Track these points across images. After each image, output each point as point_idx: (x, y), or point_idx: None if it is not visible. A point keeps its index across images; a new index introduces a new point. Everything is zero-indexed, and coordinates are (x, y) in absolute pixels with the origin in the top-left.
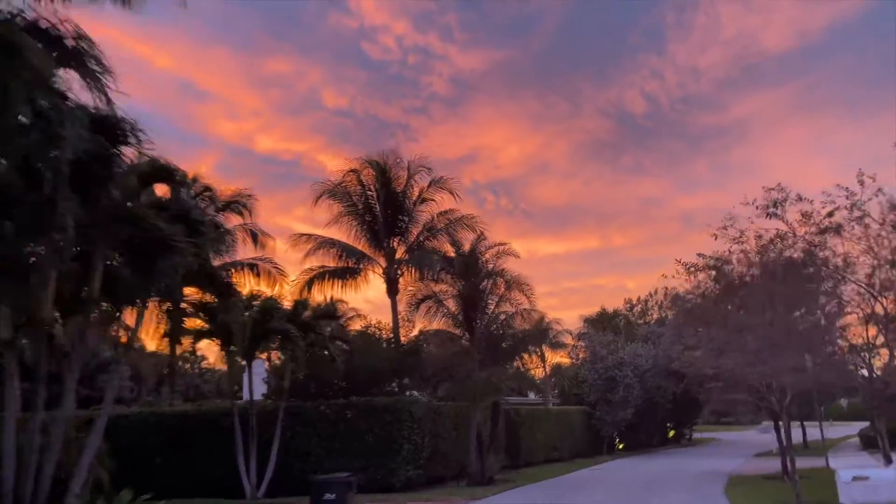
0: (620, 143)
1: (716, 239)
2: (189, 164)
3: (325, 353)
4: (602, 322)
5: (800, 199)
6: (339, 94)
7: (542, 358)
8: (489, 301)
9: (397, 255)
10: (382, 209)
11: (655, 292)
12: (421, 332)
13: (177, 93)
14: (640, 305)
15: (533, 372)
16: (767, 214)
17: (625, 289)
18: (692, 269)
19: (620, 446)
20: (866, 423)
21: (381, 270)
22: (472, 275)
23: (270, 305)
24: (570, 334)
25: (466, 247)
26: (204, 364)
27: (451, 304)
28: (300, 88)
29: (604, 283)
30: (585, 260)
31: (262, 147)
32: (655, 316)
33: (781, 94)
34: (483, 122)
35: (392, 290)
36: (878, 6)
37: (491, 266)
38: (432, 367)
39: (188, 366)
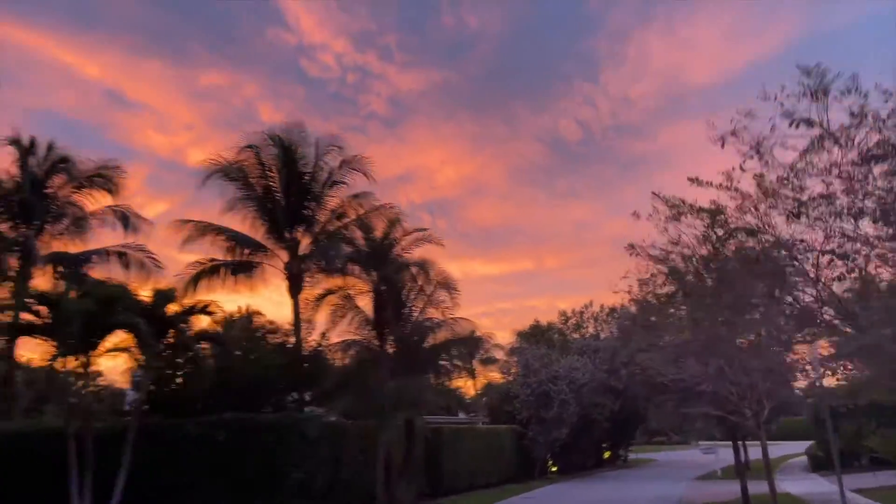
0: (555, 168)
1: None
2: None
3: (191, 356)
4: (535, 336)
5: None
6: (276, 110)
7: (472, 374)
8: (408, 300)
9: (301, 248)
10: (284, 193)
11: (590, 304)
12: (323, 334)
13: (106, 103)
14: (574, 318)
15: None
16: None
17: (557, 310)
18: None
19: (553, 469)
20: (800, 442)
21: (281, 265)
22: (385, 265)
23: (115, 293)
24: (502, 348)
25: (379, 233)
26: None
27: (363, 303)
28: (235, 102)
29: (537, 304)
30: (519, 281)
31: (195, 160)
32: (591, 329)
33: (704, 124)
34: (420, 142)
35: (294, 287)
36: (793, 47)
37: (408, 256)
38: (336, 378)
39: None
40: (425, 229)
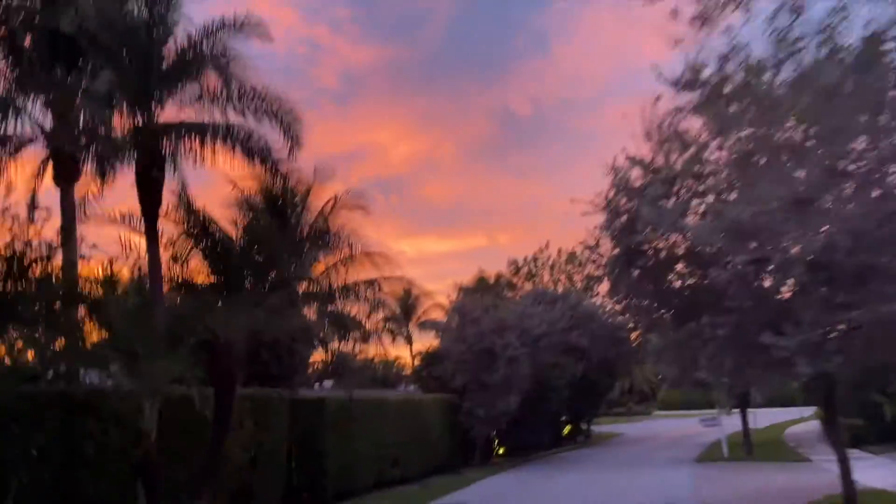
0: (506, 145)
1: None
2: None
3: None
4: (481, 290)
5: None
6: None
7: (409, 341)
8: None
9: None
10: None
11: (546, 247)
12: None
13: None
14: (527, 267)
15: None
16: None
17: (506, 259)
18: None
19: (500, 451)
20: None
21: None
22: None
23: None
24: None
25: None
26: None
27: None
28: None
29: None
30: (473, 258)
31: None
32: (547, 278)
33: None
34: (372, 119)
35: (63, 170)
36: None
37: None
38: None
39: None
40: None
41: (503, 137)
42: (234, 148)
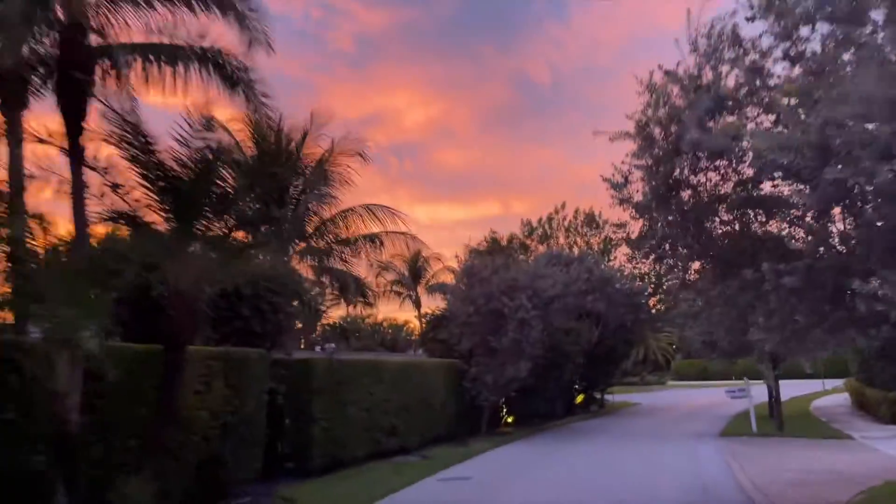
0: (522, 111)
1: None
2: None
3: None
4: (493, 252)
5: None
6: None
7: (418, 305)
8: None
9: None
10: None
11: (562, 207)
12: None
13: None
14: (541, 228)
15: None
16: None
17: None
18: None
19: (510, 420)
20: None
21: None
22: None
23: None
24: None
25: None
26: None
27: None
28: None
29: None
30: (486, 225)
31: (149, 99)
32: (562, 241)
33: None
34: (387, 83)
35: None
36: None
37: None
38: None
39: None
40: None
41: (519, 104)
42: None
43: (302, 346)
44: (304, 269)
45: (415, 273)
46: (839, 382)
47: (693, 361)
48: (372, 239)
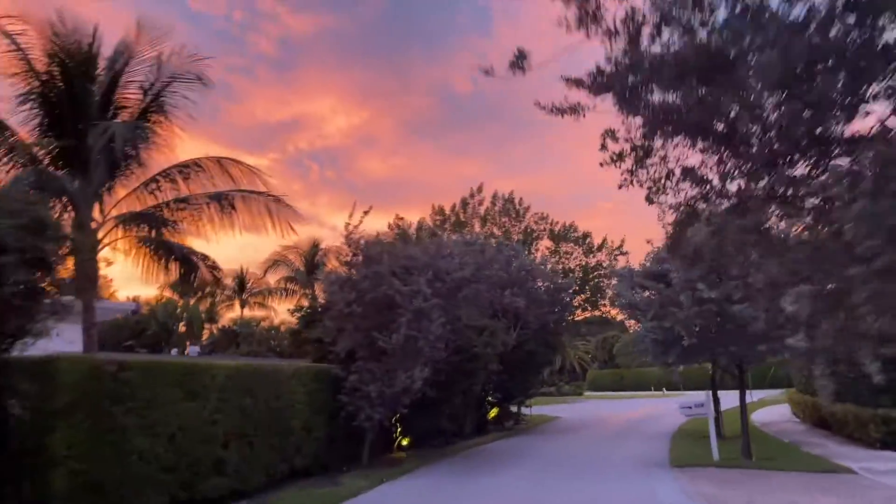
0: (446, 122)
1: None
2: None
3: None
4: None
5: None
6: (152, 45)
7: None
8: None
9: None
10: None
11: (479, 191)
12: None
13: None
14: (454, 216)
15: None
16: None
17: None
18: None
19: (404, 442)
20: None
21: None
22: None
23: None
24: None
25: None
26: None
27: None
28: (108, 35)
29: None
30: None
31: None
32: (478, 229)
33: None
34: (310, 89)
35: None
36: None
37: None
38: None
39: None
40: None
41: (443, 115)
42: None
43: (186, 352)
44: (129, 242)
45: (311, 268)
46: (764, 394)
47: (608, 371)
48: (219, 199)
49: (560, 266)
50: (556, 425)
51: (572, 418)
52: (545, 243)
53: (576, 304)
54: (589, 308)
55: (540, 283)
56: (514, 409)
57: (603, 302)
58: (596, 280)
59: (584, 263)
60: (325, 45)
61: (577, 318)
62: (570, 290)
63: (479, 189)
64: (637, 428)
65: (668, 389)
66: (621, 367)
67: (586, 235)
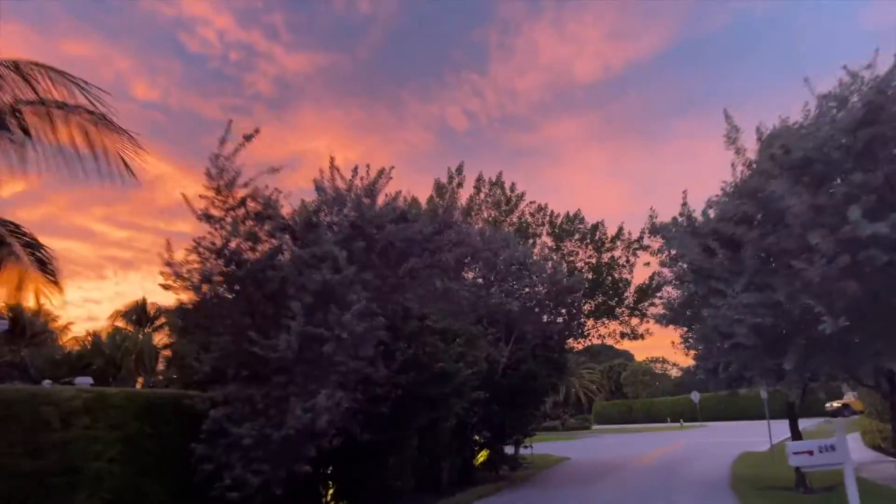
0: (441, 157)
1: None
2: None
3: None
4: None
5: None
6: (151, 86)
7: None
8: None
9: None
10: None
11: (458, 172)
12: None
13: None
14: (431, 203)
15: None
16: None
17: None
18: None
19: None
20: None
21: None
22: None
23: None
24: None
25: None
26: None
27: None
28: (105, 76)
29: None
30: None
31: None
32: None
33: (586, 120)
34: (307, 126)
35: None
36: (671, 49)
37: None
38: None
39: None
40: None
41: (438, 149)
42: None
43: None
44: None
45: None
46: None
47: (616, 402)
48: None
49: (563, 267)
50: (565, 470)
51: (584, 460)
52: (544, 240)
53: (586, 310)
54: (605, 320)
55: (540, 287)
56: (509, 450)
57: (620, 309)
58: (613, 282)
59: (594, 262)
60: (320, 83)
61: (587, 330)
62: (580, 293)
63: (459, 169)
64: (676, 473)
65: (685, 421)
66: (629, 398)
67: (596, 227)
